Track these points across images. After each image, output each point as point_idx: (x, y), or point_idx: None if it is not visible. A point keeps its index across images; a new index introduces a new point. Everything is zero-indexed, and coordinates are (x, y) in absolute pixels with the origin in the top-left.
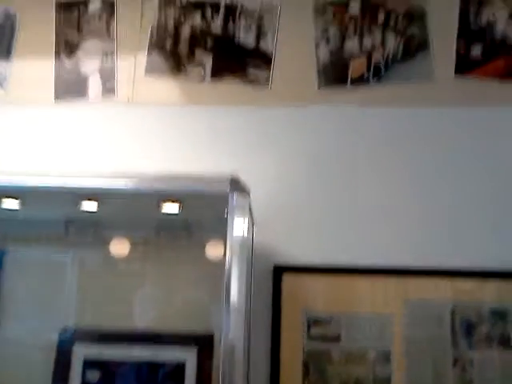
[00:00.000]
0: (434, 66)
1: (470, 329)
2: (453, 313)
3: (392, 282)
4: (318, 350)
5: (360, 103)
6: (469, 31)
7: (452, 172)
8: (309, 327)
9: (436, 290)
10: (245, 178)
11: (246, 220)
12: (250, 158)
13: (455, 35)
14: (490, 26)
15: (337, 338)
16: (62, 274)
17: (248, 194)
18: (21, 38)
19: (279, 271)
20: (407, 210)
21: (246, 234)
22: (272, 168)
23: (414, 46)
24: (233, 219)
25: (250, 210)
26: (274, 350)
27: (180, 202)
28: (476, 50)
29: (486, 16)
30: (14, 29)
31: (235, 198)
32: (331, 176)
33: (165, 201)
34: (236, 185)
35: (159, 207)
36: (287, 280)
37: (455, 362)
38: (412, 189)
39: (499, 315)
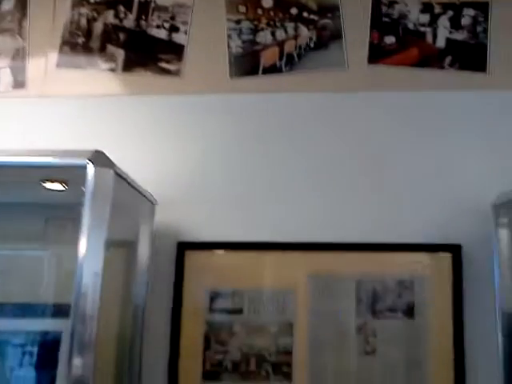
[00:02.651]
0: (347, 55)
1: (375, 299)
2: (358, 284)
3: (295, 257)
4: (220, 322)
5: (271, 91)
6: (381, 22)
7: (342, 150)
8: (211, 301)
9: (341, 263)
10: (153, 160)
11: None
12: (157, 141)
13: (368, 26)
14: (403, 17)
15: (239, 311)
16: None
17: (112, 167)
18: None
19: (182, 248)
20: (310, 187)
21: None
22: (176, 151)
23: (327, 37)
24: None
25: (142, 193)
26: (175, 324)
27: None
28: (389, 40)
29: (398, 7)
30: None
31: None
32: (234, 157)
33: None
34: (98, 158)
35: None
36: (190, 256)
37: (359, 330)
38: (308, 166)
39: (404, 286)
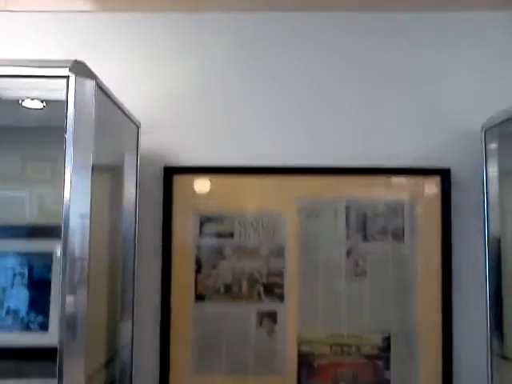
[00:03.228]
0: None
1: (364, 222)
2: (347, 208)
3: (284, 182)
4: (211, 245)
5: (257, 10)
6: None
7: (332, 72)
8: (201, 225)
9: (329, 187)
10: (135, 82)
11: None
12: (138, 63)
13: None
14: None
15: (229, 235)
16: None
17: (94, 78)
18: None
19: (169, 172)
20: (296, 111)
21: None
22: (158, 73)
23: None
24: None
25: (126, 114)
26: (166, 249)
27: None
28: None
29: None
30: None
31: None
32: (221, 80)
33: None
34: (79, 69)
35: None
36: (178, 181)
37: (349, 253)
38: (296, 89)
39: (393, 210)
